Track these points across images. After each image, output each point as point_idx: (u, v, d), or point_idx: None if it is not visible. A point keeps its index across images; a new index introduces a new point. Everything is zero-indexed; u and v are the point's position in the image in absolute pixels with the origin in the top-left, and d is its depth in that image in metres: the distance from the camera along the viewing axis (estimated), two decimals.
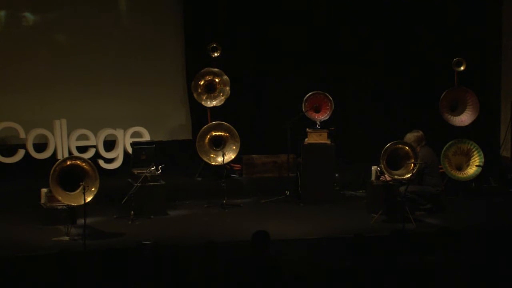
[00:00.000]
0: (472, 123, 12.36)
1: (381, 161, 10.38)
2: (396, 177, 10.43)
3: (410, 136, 10.95)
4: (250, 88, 13.37)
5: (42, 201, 10.45)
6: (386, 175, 10.61)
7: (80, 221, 9.92)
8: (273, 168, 12.62)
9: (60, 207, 10.19)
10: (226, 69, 12.56)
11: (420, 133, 11.04)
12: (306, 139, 11.77)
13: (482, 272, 7.19)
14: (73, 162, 9.95)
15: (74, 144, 12.22)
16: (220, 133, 12.12)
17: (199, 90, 12.52)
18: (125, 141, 12.42)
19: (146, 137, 12.38)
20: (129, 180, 11.10)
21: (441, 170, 11.70)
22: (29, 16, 12.62)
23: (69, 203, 9.92)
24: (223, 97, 12.56)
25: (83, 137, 12.32)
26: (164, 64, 13.12)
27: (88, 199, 9.73)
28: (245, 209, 11.43)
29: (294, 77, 13.31)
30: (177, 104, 13.25)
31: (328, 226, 10.38)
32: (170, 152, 12.82)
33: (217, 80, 12.56)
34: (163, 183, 11.07)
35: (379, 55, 13.50)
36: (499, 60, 13.77)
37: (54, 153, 12.09)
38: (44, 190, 10.41)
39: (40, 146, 12.15)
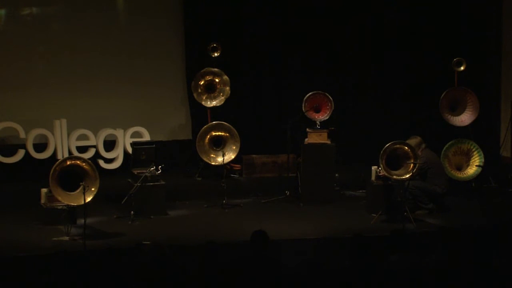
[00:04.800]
0: (472, 123, 12.36)
1: (380, 160, 10.38)
2: (395, 177, 10.42)
3: (410, 143, 10.90)
4: (250, 88, 13.37)
5: (42, 201, 10.45)
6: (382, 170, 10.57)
7: (80, 221, 9.93)
8: (273, 168, 12.62)
9: (60, 207, 10.18)
10: (226, 69, 12.57)
11: (418, 138, 11.05)
12: (306, 139, 11.77)
13: (482, 272, 7.18)
14: (73, 162, 9.95)
15: (74, 144, 12.23)
16: (220, 133, 12.12)
17: (199, 90, 12.53)
18: (125, 141, 12.43)
19: (146, 137, 12.39)
20: (129, 180, 11.11)
21: None
22: (29, 15, 12.62)
23: (69, 203, 9.92)
24: (223, 97, 12.57)
25: (83, 137, 12.33)
26: (164, 64, 13.12)
27: (88, 199, 9.73)
28: (245, 209, 11.44)
29: (294, 77, 13.32)
30: (177, 104, 13.25)
31: (328, 226, 10.39)
32: (170, 152, 12.83)
33: (217, 80, 12.56)
34: (163, 183, 11.07)
35: (379, 55, 13.50)
36: (499, 60, 13.78)
37: (54, 153, 12.10)
38: (44, 190, 10.41)
39: (40, 146, 12.15)
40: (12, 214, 10.75)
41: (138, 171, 11.02)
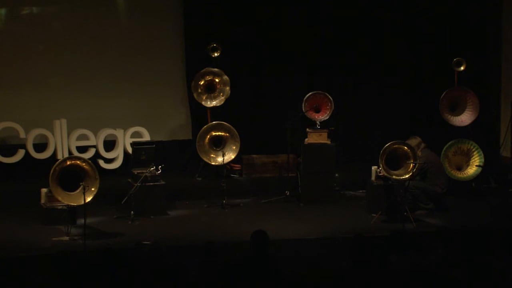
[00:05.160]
0: (472, 123, 12.36)
1: (380, 161, 10.38)
2: (394, 177, 10.43)
3: (410, 143, 10.90)
4: (250, 88, 13.37)
5: (42, 201, 10.46)
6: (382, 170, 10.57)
7: (80, 221, 9.93)
8: (273, 168, 12.62)
9: (60, 207, 10.19)
10: (226, 69, 12.56)
11: (418, 138, 11.07)
12: (306, 139, 11.77)
13: (482, 272, 7.18)
14: (73, 162, 9.96)
15: (74, 144, 12.23)
16: (220, 133, 12.12)
17: (199, 90, 12.52)
18: (125, 141, 12.43)
19: (146, 137, 12.39)
20: (129, 180, 11.11)
21: None
22: (29, 15, 12.62)
23: (69, 203, 9.93)
24: (223, 97, 12.56)
25: (83, 137, 12.33)
26: (164, 64, 13.12)
27: (88, 199, 9.73)
28: (245, 209, 11.44)
29: (294, 77, 13.31)
30: (177, 104, 13.25)
31: (328, 226, 10.39)
32: (170, 152, 12.82)
33: (217, 80, 12.56)
34: (163, 183, 11.08)
35: (379, 55, 13.49)
36: (499, 60, 13.77)
37: (54, 153, 12.10)
38: (44, 190, 10.42)
39: (40, 146, 12.15)
40: (12, 214, 10.76)
41: (138, 171, 11.02)
